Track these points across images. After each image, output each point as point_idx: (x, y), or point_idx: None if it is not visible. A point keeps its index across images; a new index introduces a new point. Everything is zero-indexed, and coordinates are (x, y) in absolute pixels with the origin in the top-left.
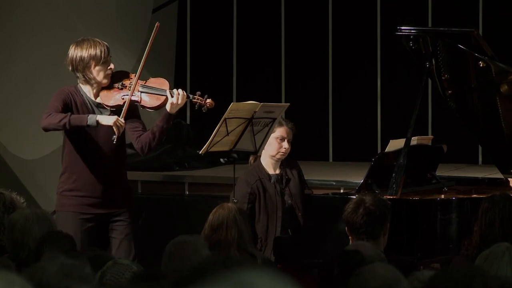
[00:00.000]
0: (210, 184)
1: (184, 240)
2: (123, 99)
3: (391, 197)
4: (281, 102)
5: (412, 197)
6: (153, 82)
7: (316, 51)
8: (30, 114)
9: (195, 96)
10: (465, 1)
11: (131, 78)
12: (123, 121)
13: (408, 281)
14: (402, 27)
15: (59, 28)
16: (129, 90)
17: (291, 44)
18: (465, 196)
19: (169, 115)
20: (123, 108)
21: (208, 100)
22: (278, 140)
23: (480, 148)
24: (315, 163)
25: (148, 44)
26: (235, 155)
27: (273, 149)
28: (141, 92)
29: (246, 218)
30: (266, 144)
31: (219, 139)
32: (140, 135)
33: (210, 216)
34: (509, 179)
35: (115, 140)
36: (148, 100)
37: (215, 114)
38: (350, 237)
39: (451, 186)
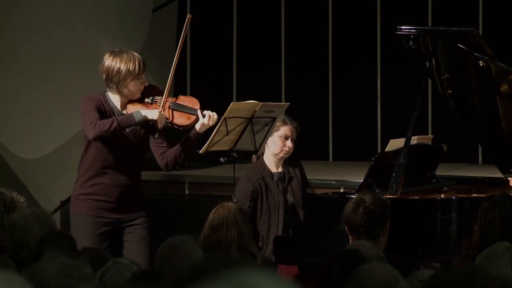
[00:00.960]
0: (210, 184)
1: (173, 243)
2: None
3: (391, 196)
4: (281, 102)
5: (412, 197)
6: (183, 100)
7: (316, 51)
8: (30, 114)
9: None
10: (465, 1)
11: (162, 94)
12: (164, 115)
13: (408, 281)
14: (402, 27)
15: (59, 28)
16: (159, 106)
17: (291, 44)
18: (465, 196)
19: (197, 134)
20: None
21: None
22: (282, 138)
23: (480, 148)
24: (315, 162)
25: (180, 42)
26: (235, 155)
27: (276, 148)
28: (172, 109)
29: (246, 218)
30: (270, 142)
31: (219, 138)
32: (164, 151)
33: (210, 216)
34: (509, 178)
35: (157, 135)
36: (179, 118)
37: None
38: (350, 237)
39: (451, 185)
